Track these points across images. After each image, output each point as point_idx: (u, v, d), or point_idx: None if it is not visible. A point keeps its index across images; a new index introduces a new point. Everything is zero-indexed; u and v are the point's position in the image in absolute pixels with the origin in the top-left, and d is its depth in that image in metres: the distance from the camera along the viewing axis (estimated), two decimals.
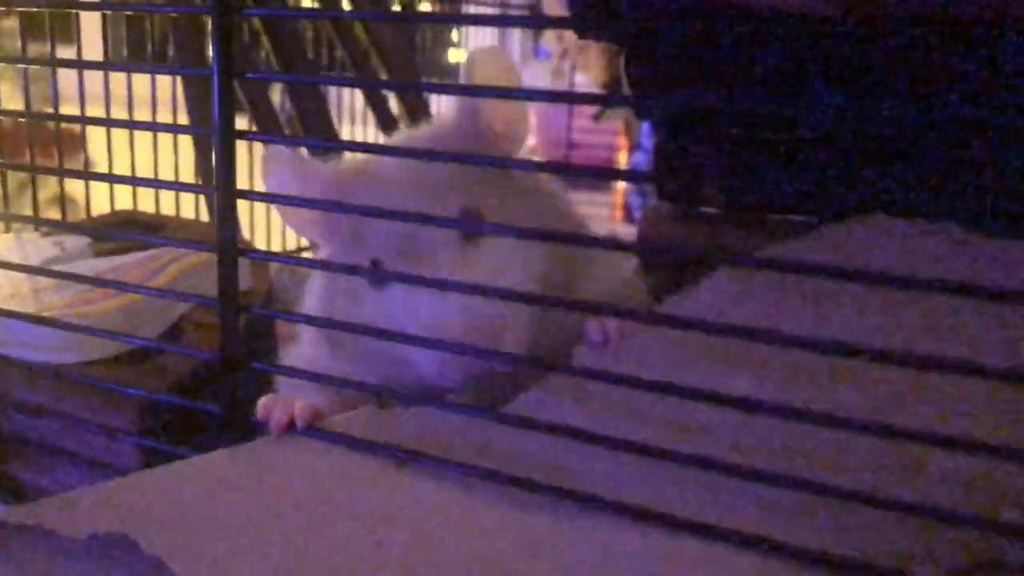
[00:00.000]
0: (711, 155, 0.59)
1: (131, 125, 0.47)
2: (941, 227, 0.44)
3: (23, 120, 0.79)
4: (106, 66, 0.53)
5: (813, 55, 0.47)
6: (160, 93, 1.01)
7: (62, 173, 0.58)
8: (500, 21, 0.47)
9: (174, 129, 0.50)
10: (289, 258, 0.51)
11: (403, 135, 0.55)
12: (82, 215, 0.94)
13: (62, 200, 0.84)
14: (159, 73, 0.53)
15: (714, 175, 0.61)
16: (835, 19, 0.43)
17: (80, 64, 0.54)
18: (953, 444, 0.33)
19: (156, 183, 0.47)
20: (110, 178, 0.47)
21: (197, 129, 0.42)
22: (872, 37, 0.45)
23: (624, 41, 0.54)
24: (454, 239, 0.46)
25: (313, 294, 0.54)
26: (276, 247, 1.12)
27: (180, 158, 0.99)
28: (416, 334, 0.43)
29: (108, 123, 0.51)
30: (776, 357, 0.42)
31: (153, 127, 0.44)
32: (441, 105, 1.56)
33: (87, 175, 0.54)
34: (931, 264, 0.43)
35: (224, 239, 0.45)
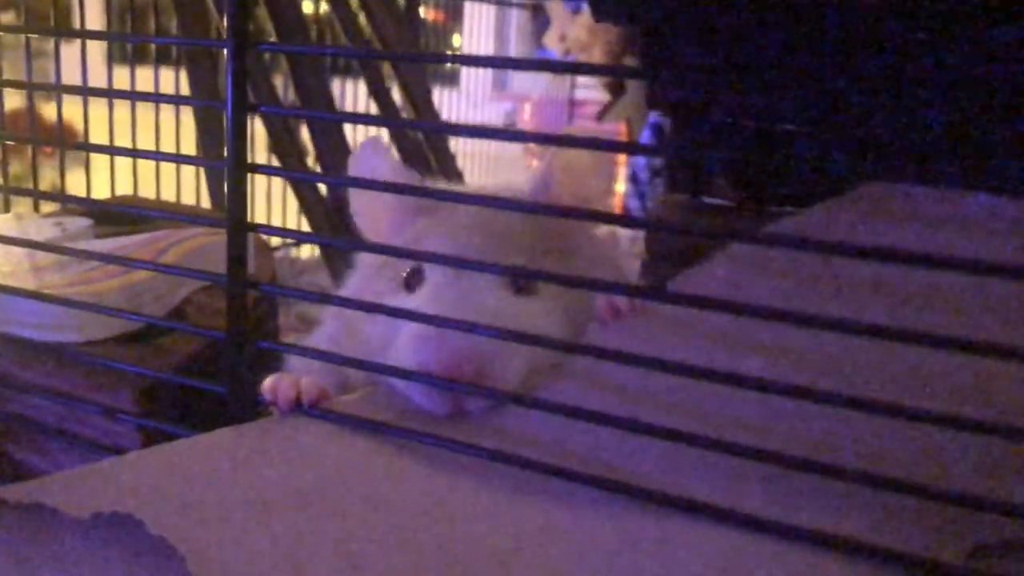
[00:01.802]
0: (723, 145, 0.59)
1: (135, 96, 0.46)
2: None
3: (24, 113, 0.78)
4: (110, 36, 0.52)
5: (840, 42, 0.46)
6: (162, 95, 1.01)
7: (65, 145, 0.57)
8: None
9: (184, 101, 0.49)
10: (298, 234, 0.50)
11: (475, 187, 0.56)
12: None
13: (62, 188, 0.84)
14: (170, 43, 0.52)
15: (726, 165, 0.60)
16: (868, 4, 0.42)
17: (83, 34, 0.53)
18: (971, 426, 0.33)
19: (162, 156, 0.46)
20: (115, 151, 0.46)
21: (210, 102, 0.41)
22: (904, 24, 0.44)
23: (641, 23, 0.53)
24: (501, 285, 0.47)
25: (346, 289, 0.55)
26: (276, 241, 1.11)
27: (182, 150, 0.99)
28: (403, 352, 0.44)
29: (111, 94, 0.49)
30: (785, 338, 0.41)
31: (159, 99, 0.43)
32: (444, 103, 1.56)
33: (91, 147, 0.53)
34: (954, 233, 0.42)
35: (234, 212, 0.45)
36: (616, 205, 1.96)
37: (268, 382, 0.47)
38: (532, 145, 2.27)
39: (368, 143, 0.52)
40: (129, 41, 0.57)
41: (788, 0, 0.47)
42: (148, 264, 0.48)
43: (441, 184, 0.57)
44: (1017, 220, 0.40)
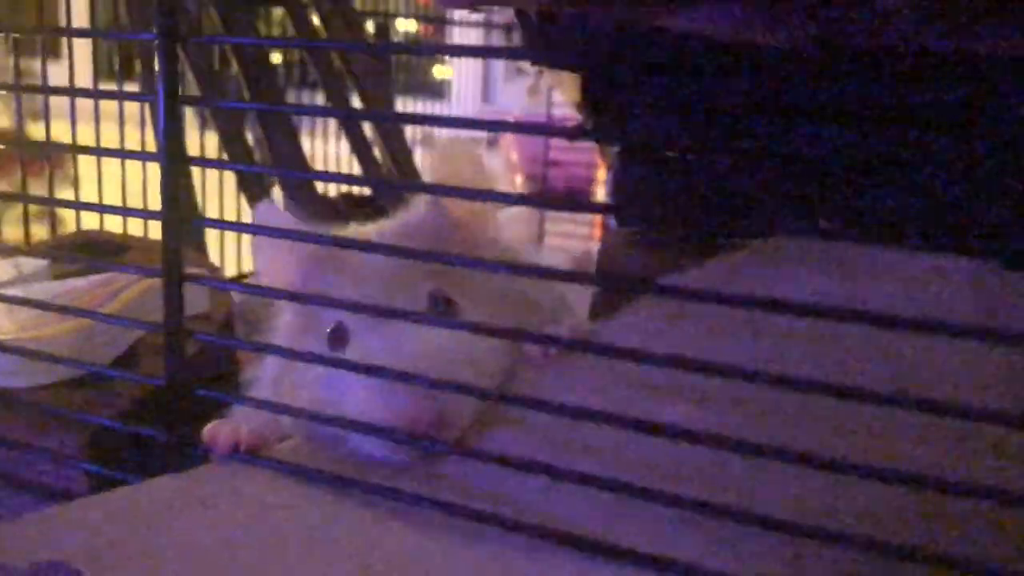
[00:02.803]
0: (668, 181, 0.59)
1: (79, 150, 0.47)
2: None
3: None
4: (71, 92, 0.53)
5: (750, 82, 0.47)
6: (129, 109, 1.01)
7: (25, 199, 0.57)
8: (450, 49, 0.47)
9: (123, 155, 0.50)
10: (235, 284, 0.50)
11: (375, 228, 0.55)
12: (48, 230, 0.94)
13: (25, 219, 0.84)
14: (102, 98, 0.52)
15: (671, 201, 0.61)
16: (766, 48, 0.43)
17: (46, 90, 0.53)
18: (881, 475, 0.33)
19: (102, 208, 0.46)
20: (78, 205, 0.47)
21: (144, 155, 0.42)
22: (808, 66, 0.45)
23: (578, 69, 0.54)
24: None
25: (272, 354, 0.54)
26: (246, 267, 1.11)
27: (148, 176, 0.99)
28: (359, 409, 0.44)
29: (75, 150, 0.50)
30: (716, 384, 0.42)
31: (98, 152, 0.44)
32: (417, 129, 1.56)
33: (48, 200, 0.53)
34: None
35: (169, 265, 0.45)
36: (597, 222, 1.96)
37: (208, 429, 0.47)
38: (514, 160, 2.28)
39: (261, 206, 0.50)
40: (82, 96, 0.58)
41: (725, 47, 0.48)
42: (87, 313, 0.49)
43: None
44: (938, 272, 0.41)
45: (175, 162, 0.44)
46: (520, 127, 0.44)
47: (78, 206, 0.46)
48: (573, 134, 0.46)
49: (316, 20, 1.13)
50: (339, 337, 0.48)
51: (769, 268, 0.44)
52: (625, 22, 0.46)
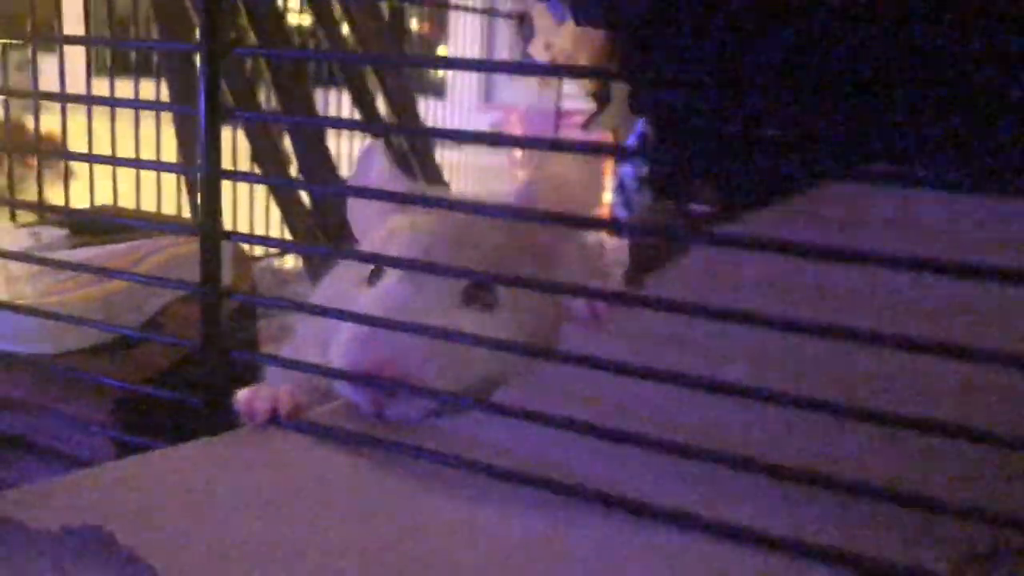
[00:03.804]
0: (703, 150, 0.59)
1: (111, 102, 0.46)
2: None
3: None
4: (88, 40, 0.52)
5: (811, 43, 0.46)
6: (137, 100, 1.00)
7: (40, 152, 0.56)
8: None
9: (157, 107, 0.49)
10: (273, 240, 0.50)
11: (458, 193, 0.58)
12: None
13: (39, 195, 0.83)
14: (145, 48, 0.51)
15: (706, 170, 0.60)
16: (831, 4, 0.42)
17: (62, 39, 0.52)
18: (952, 431, 0.32)
19: (137, 163, 0.45)
20: (91, 158, 0.46)
21: (183, 108, 0.41)
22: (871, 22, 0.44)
23: (619, 28, 0.53)
24: (456, 297, 0.47)
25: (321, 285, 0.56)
26: (260, 251, 1.10)
27: (162, 159, 0.99)
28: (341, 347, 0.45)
29: (89, 100, 0.49)
30: (750, 341, 0.41)
31: (137, 104, 0.42)
32: (429, 112, 1.56)
33: (69, 155, 0.52)
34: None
35: (208, 220, 0.44)
36: (604, 216, 1.95)
37: (243, 395, 0.46)
38: (518, 156, 2.27)
39: (369, 147, 0.54)
40: (104, 45, 0.56)
41: (767, 8, 0.47)
42: (121, 273, 0.48)
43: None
44: (982, 222, 0.40)
45: (215, 113, 0.43)
46: (530, 68, 0.43)
47: (102, 160, 0.45)
48: (602, 74, 0.44)
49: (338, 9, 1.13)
50: (375, 277, 0.49)
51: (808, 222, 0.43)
52: None
